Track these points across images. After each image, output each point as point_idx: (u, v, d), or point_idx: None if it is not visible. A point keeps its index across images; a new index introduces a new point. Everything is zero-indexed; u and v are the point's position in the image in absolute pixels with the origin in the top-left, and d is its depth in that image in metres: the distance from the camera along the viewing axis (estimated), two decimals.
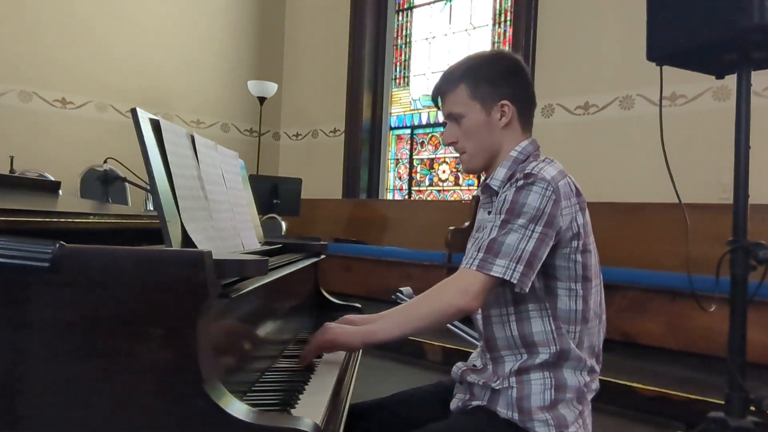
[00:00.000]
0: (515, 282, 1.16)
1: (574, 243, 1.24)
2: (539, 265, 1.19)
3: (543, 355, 1.24)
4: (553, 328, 1.24)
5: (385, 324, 1.25)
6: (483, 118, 1.32)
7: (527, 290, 1.18)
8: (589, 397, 1.29)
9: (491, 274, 1.16)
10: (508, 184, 1.27)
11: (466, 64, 1.35)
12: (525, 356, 1.26)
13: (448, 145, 1.39)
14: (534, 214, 1.18)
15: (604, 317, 1.34)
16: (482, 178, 1.42)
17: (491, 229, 1.21)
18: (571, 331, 1.25)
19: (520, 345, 1.26)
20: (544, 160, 1.28)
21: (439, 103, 1.39)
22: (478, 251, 1.19)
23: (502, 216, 1.21)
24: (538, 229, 1.18)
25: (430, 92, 1.42)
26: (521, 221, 1.18)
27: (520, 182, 1.22)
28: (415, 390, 1.49)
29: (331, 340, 1.23)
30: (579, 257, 1.24)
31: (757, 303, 1.91)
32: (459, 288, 1.18)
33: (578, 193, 1.26)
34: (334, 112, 6.41)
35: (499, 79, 1.32)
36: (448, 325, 2.10)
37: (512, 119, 1.33)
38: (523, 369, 1.25)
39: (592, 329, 1.29)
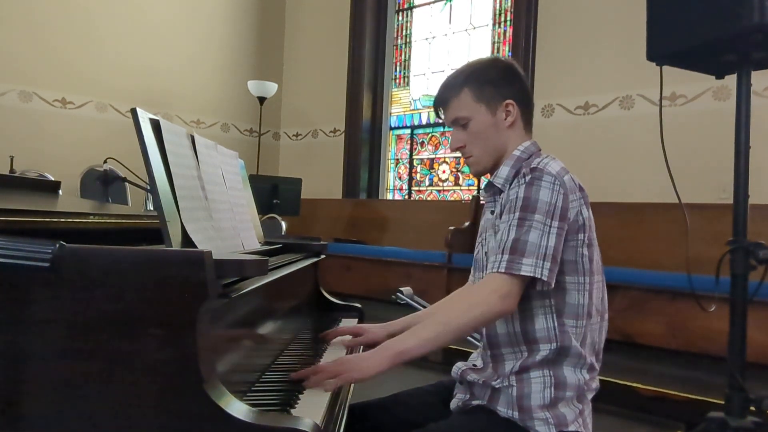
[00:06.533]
0: (545, 279, 1.17)
1: (581, 236, 1.25)
2: (560, 259, 1.20)
3: (543, 352, 1.24)
4: (556, 324, 1.24)
5: (417, 340, 1.18)
6: (489, 120, 1.33)
7: (553, 285, 1.19)
8: (589, 396, 1.29)
9: (521, 273, 1.17)
10: (515, 181, 1.28)
11: (467, 70, 1.36)
12: (525, 354, 1.26)
13: (455, 150, 1.39)
14: (548, 209, 1.20)
15: (606, 316, 1.35)
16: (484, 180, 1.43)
17: (509, 228, 1.21)
18: (577, 326, 1.25)
19: (522, 341, 1.26)
20: (547, 156, 1.30)
21: (441, 113, 1.39)
22: (503, 253, 1.19)
23: (517, 213, 1.21)
24: (555, 224, 1.19)
25: (430, 92, 1.43)
26: (538, 217, 1.19)
27: (528, 177, 1.22)
28: (415, 390, 1.49)
29: (359, 379, 1.12)
30: (585, 251, 1.25)
31: (757, 303, 1.91)
32: (497, 293, 1.17)
33: (581, 189, 1.28)
34: (334, 112, 6.40)
35: (501, 81, 1.34)
36: None
37: (516, 119, 1.35)
38: (523, 367, 1.25)
39: (595, 325, 1.29)
